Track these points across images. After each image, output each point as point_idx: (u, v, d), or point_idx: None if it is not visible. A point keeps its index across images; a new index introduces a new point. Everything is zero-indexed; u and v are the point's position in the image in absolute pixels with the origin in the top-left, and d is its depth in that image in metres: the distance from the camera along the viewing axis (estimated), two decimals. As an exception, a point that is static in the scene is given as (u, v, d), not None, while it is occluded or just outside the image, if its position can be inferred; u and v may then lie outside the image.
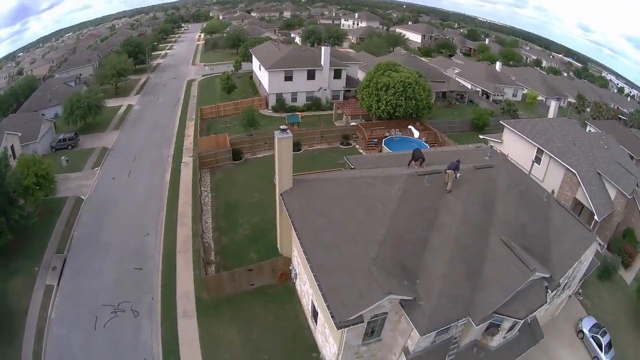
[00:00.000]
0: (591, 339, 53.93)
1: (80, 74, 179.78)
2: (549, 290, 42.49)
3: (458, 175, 47.97)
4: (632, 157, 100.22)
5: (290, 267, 55.64)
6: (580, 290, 62.51)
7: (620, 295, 66.03)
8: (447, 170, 47.84)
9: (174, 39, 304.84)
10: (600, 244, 53.55)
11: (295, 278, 54.42)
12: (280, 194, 50.56)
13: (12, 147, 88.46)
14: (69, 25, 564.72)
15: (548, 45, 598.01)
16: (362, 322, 36.59)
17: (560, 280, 44.34)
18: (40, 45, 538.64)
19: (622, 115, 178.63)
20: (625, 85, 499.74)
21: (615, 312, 62.04)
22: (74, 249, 64.67)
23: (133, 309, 53.57)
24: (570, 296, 59.09)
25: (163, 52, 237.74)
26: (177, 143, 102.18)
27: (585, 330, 55.05)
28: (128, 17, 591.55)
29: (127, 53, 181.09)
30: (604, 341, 53.07)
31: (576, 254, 47.96)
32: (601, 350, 52.48)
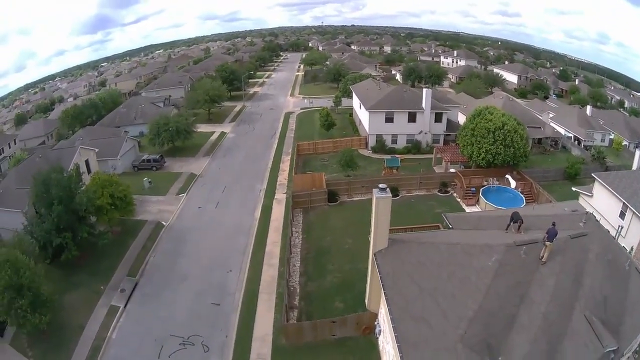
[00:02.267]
0: None
1: (170, 96, 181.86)
2: None
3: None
4: None
5: (376, 323, 54.51)
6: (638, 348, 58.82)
7: None
8: (546, 243, 46.80)
9: (272, 68, 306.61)
10: None
11: (379, 334, 53.16)
12: (374, 254, 49.84)
13: (86, 161, 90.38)
14: (158, 42, 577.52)
15: (628, 84, 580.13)
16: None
17: (625, 351, 43.27)
18: (127, 58, 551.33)
19: None
20: None
21: None
22: (148, 274, 65.51)
23: (204, 344, 53.24)
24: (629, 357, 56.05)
25: (260, 80, 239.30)
26: (271, 177, 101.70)
27: None
28: (223, 39, 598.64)
29: (222, 79, 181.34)
30: None
31: None
32: None
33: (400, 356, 37.95)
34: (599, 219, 60.94)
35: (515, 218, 53.60)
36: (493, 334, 39.66)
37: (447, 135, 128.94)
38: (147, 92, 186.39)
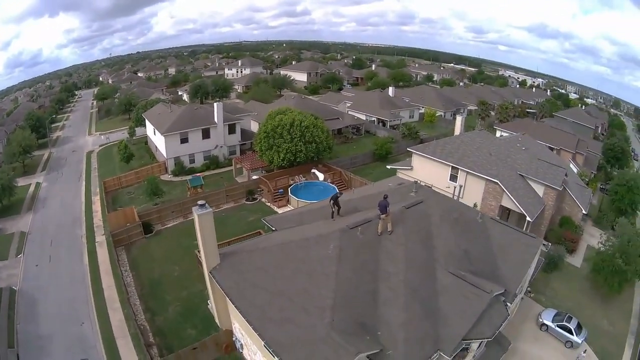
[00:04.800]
0: (557, 328, 55.13)
1: None
2: (508, 304, 43.40)
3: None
4: (552, 148, 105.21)
5: (234, 339, 53.53)
6: (529, 289, 63.73)
7: (574, 279, 69.01)
8: (381, 216, 47.55)
9: (69, 109, 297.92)
10: (544, 244, 55.59)
11: (242, 348, 52.16)
12: (210, 272, 48.24)
13: None
14: None
15: (437, 57, 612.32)
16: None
17: (516, 291, 45.65)
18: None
19: (530, 109, 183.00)
20: (527, 77, 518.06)
21: (572, 296, 64.80)
22: (22, 343, 60.83)
23: None
24: (522, 298, 59.92)
25: (61, 124, 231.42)
26: (87, 221, 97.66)
27: (548, 322, 56.07)
28: (28, 87, 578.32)
29: (30, 128, 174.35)
30: (572, 325, 54.49)
31: (526, 262, 49.75)
32: (572, 334, 53.78)
33: (280, 359, 36.48)
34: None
35: (334, 198, 54.86)
36: (361, 314, 39.58)
37: (242, 144, 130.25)
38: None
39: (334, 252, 44.33)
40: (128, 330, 59.90)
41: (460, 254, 46.76)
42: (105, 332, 60.44)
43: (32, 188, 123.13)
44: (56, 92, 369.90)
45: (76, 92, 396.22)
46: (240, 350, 52.27)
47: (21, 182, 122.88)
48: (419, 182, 60.60)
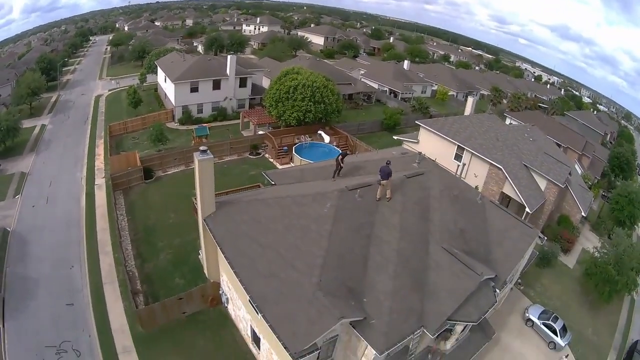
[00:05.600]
0: (542, 326, 55.04)
1: (0, 95, 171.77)
2: (497, 290, 43.11)
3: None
4: (559, 145, 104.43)
5: (220, 292, 53.40)
6: (520, 281, 63.86)
7: (565, 279, 69.26)
8: (382, 182, 47.11)
9: (82, 53, 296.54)
10: (540, 237, 55.57)
11: (227, 303, 52.18)
12: (204, 219, 47.83)
13: None
14: None
15: (455, 40, 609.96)
16: (318, 349, 34.96)
17: (507, 279, 45.56)
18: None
19: (542, 104, 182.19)
20: (542, 73, 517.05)
21: (561, 296, 64.97)
22: (10, 286, 60.60)
23: (74, 349, 50.34)
24: (512, 288, 60.10)
25: (72, 67, 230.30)
26: (89, 163, 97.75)
27: (534, 318, 56.06)
28: (43, 31, 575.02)
29: (41, 70, 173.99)
30: (557, 326, 54.32)
31: (520, 251, 49.26)
32: (556, 335, 53.66)
33: (262, 315, 36.23)
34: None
35: (343, 155, 54.91)
36: (349, 277, 39.22)
37: (252, 99, 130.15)
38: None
39: (330, 212, 43.94)
40: (117, 275, 60.09)
41: (456, 231, 46.39)
42: (93, 277, 60.53)
43: (36, 130, 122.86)
44: (71, 36, 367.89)
45: (91, 38, 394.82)
46: (226, 305, 52.25)
47: (27, 123, 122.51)
48: (422, 154, 60.04)
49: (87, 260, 64.17)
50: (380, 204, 47.02)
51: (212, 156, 44.70)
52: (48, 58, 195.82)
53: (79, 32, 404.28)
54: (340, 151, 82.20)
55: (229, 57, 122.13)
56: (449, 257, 42.45)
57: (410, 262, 41.43)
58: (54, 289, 58.75)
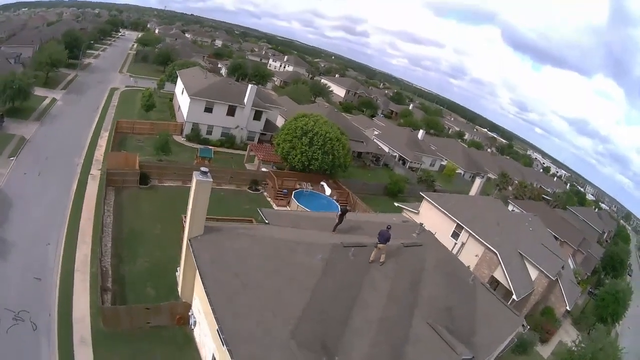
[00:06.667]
0: None
1: (21, 54, 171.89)
2: None
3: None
4: (556, 238, 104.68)
5: (190, 314, 51.80)
6: None
7: None
8: (379, 245, 46.33)
9: (109, 42, 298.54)
10: (523, 326, 56.13)
11: (194, 325, 50.59)
12: (189, 239, 46.78)
13: None
14: (25, 0, 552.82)
15: (473, 118, 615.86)
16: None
17: None
18: None
19: (546, 195, 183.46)
20: (551, 165, 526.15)
21: None
22: None
23: (32, 321, 49.20)
24: None
25: (96, 53, 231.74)
26: (89, 152, 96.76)
27: None
28: (76, 7, 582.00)
29: (65, 44, 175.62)
30: None
31: (502, 336, 49.55)
32: None
33: (228, 350, 34.66)
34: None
35: (343, 212, 54.90)
36: (326, 334, 37.76)
37: (263, 134, 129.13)
38: (5, 47, 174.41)
39: (320, 264, 42.91)
40: (90, 267, 58.55)
41: (443, 308, 45.44)
42: (66, 261, 59.19)
43: (46, 101, 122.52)
44: (102, 22, 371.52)
45: (120, 30, 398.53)
46: (192, 327, 50.62)
47: (38, 92, 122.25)
48: (423, 225, 59.29)
49: (64, 243, 62.95)
50: (372, 266, 46.00)
51: (211, 180, 44.35)
52: (75, 35, 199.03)
53: (111, 20, 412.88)
54: (339, 206, 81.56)
55: (249, 86, 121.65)
56: (432, 333, 41.26)
57: (392, 331, 40.07)
58: (25, 259, 57.64)
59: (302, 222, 57.28)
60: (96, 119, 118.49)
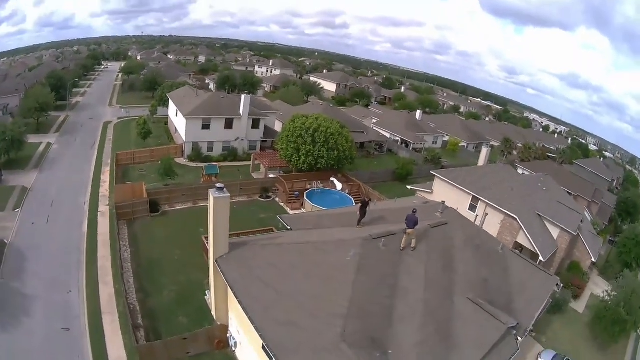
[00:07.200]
0: None
1: (8, 104, 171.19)
2: (519, 338, 42.22)
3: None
4: (570, 194, 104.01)
5: (229, 335, 50.99)
6: (531, 327, 61.06)
7: (575, 324, 68.78)
8: (407, 230, 46.19)
9: (93, 77, 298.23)
10: (558, 285, 55.18)
11: (235, 347, 49.64)
12: (216, 260, 45.88)
13: None
14: (3, 50, 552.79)
15: (464, 90, 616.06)
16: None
17: (529, 327, 45.52)
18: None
19: (551, 153, 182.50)
20: (550, 123, 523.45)
21: (572, 340, 64.32)
22: (4, 299, 58.71)
23: None
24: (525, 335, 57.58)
25: (82, 90, 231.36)
26: (94, 189, 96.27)
27: None
28: (55, 48, 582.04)
29: (51, 87, 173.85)
30: None
31: (540, 299, 49.76)
32: None
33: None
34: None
35: (364, 204, 54.05)
36: (374, 328, 37.34)
37: (264, 141, 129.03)
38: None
39: (353, 260, 42.51)
40: (117, 307, 57.34)
41: (479, 281, 45.68)
42: (92, 305, 58.02)
43: (42, 147, 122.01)
44: (83, 58, 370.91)
45: (102, 63, 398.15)
46: (234, 349, 49.70)
47: (32, 139, 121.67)
48: (444, 203, 58.72)
49: (85, 287, 61.78)
50: (405, 253, 45.86)
51: (228, 195, 43.25)
52: (59, 75, 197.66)
53: (92, 54, 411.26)
54: (353, 199, 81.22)
55: (243, 96, 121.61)
56: (474, 307, 41.54)
57: (436, 312, 40.09)
58: (49, 311, 56.53)
59: (323, 222, 57.16)
60: (95, 156, 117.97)
